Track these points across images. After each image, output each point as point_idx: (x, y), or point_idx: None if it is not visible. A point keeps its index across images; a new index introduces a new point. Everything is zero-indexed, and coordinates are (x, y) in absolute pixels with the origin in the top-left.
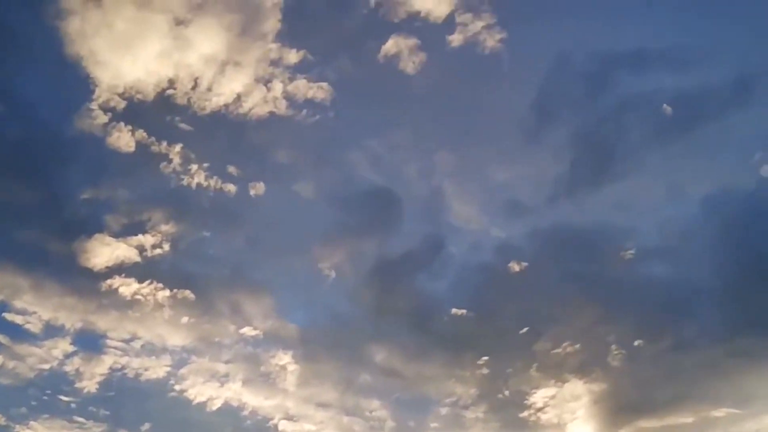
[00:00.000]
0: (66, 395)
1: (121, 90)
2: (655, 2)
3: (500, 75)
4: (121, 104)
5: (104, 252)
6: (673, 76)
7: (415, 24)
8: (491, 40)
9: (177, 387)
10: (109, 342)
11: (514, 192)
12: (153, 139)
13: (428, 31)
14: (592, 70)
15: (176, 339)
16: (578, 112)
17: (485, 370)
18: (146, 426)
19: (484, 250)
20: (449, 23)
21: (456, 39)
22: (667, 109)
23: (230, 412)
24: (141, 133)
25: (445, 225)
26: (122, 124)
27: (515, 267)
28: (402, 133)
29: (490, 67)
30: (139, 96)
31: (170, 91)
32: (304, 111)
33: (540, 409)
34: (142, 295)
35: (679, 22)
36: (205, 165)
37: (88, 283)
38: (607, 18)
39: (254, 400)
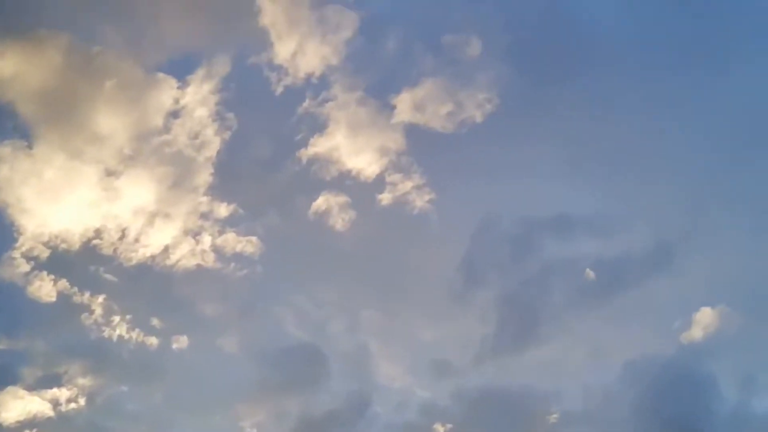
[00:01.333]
0: None
1: (45, 239)
2: (580, 169)
3: (428, 235)
4: (45, 253)
5: (16, 406)
6: (596, 241)
7: (346, 182)
8: (420, 201)
9: None
10: None
11: (441, 352)
12: (75, 289)
13: (358, 190)
14: (517, 234)
15: None
16: (504, 275)
17: None
18: None
19: (410, 409)
20: (379, 182)
21: (385, 198)
22: (590, 273)
23: None
24: (63, 283)
25: (371, 383)
26: (44, 273)
27: (440, 429)
28: (329, 290)
29: (419, 226)
30: (63, 245)
31: (96, 241)
32: (232, 264)
33: None
34: None
35: (602, 189)
36: (128, 317)
37: None
38: (533, 183)
39: None
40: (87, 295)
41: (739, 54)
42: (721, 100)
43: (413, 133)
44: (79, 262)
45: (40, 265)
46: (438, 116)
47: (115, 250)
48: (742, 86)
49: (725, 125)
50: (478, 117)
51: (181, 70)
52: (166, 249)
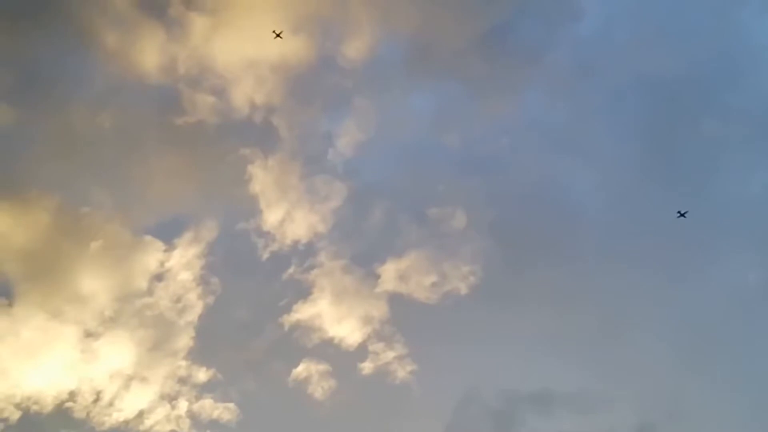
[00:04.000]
0: None
1: (17, 400)
2: (564, 345)
3: (409, 406)
4: (16, 414)
5: None
6: (578, 418)
7: (328, 350)
8: (402, 371)
9: None
10: None
11: None
12: None
13: (340, 358)
14: (499, 408)
15: None
16: None
17: None
18: None
19: None
20: (361, 351)
21: (367, 367)
22: None
23: None
24: None
25: None
26: None
27: None
28: None
29: (400, 397)
30: (35, 407)
31: (69, 404)
32: None
33: None
34: None
35: (586, 366)
36: None
37: None
38: (516, 357)
39: None
40: None
41: (718, 253)
42: (704, 279)
43: (397, 302)
44: (51, 425)
45: (9, 428)
46: (422, 287)
47: (88, 413)
48: (722, 278)
49: (709, 305)
50: (462, 289)
51: (169, 233)
52: (140, 414)
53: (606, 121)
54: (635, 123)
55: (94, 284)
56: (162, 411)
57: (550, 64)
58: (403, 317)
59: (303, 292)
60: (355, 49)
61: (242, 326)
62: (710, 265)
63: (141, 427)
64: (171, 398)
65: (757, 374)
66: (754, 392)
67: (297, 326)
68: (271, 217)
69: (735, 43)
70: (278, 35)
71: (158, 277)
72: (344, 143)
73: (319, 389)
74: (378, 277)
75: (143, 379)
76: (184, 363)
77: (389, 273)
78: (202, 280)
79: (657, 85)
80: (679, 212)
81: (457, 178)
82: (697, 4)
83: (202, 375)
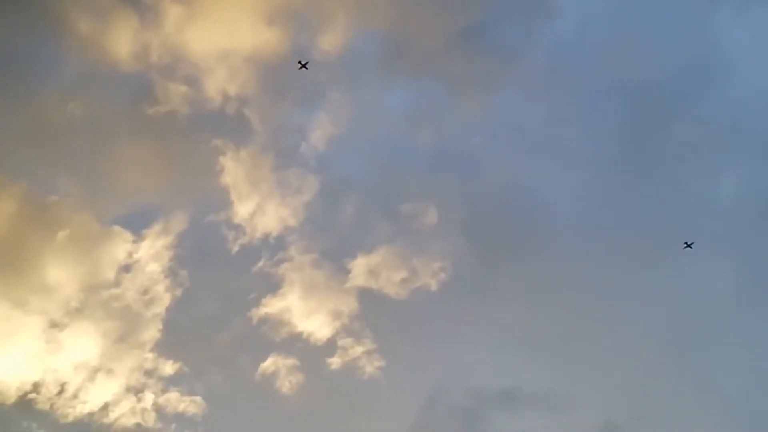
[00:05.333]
0: None
1: None
2: (532, 343)
3: (377, 401)
4: None
5: None
6: (544, 416)
7: (296, 344)
8: (370, 367)
9: None
10: None
11: None
12: None
13: (308, 352)
14: (467, 406)
15: None
16: None
17: None
18: None
19: None
20: (330, 346)
21: (335, 362)
22: None
23: None
24: None
25: None
26: None
27: None
28: None
29: (368, 393)
30: None
31: (33, 395)
32: (173, 425)
33: None
34: None
35: (553, 365)
36: None
37: None
38: (484, 354)
39: None
40: None
41: (688, 256)
42: (672, 283)
43: (367, 297)
44: (13, 416)
45: None
46: (392, 282)
47: (52, 405)
48: (692, 281)
49: (677, 309)
50: (432, 285)
51: (138, 223)
52: (105, 406)
53: (579, 122)
54: (608, 125)
55: (60, 274)
56: (127, 403)
57: (525, 64)
58: (373, 312)
59: (272, 286)
60: (329, 42)
61: (210, 319)
62: (680, 268)
63: (106, 420)
64: (137, 391)
65: (723, 377)
66: (719, 394)
67: (266, 320)
68: (242, 210)
69: (709, 47)
70: (303, 65)
71: (126, 268)
72: (317, 137)
73: (286, 383)
74: (348, 271)
75: (109, 371)
76: (150, 355)
77: (359, 268)
78: (171, 272)
79: (631, 88)
80: (685, 243)
81: (429, 175)
82: (672, 7)
83: (168, 368)
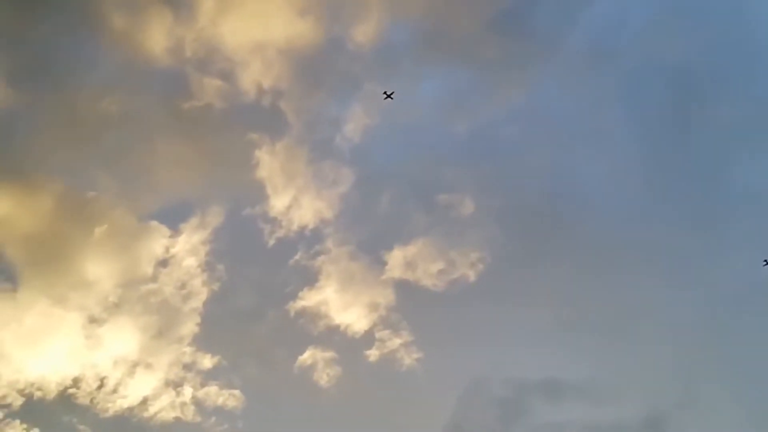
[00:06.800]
0: None
1: (21, 386)
2: (572, 334)
3: (415, 393)
4: (19, 401)
5: None
6: (586, 407)
7: (334, 337)
8: (408, 359)
9: None
10: None
11: None
12: None
13: (346, 345)
14: (506, 396)
15: None
16: None
17: None
18: None
19: None
20: (367, 338)
21: (373, 354)
22: None
23: None
24: None
25: None
26: (17, 422)
27: None
28: None
29: (406, 384)
30: (39, 393)
31: (73, 390)
32: (213, 419)
33: None
34: None
35: (594, 355)
36: None
37: None
38: (523, 345)
39: None
40: None
41: (731, 245)
42: (714, 271)
43: (404, 289)
44: (54, 411)
45: (12, 413)
46: (429, 274)
47: (92, 400)
48: (734, 270)
49: (718, 297)
50: (470, 276)
51: (175, 218)
52: (145, 400)
53: (618, 109)
54: (648, 110)
55: (99, 270)
56: (166, 397)
57: (563, 48)
58: (410, 304)
59: (309, 279)
60: (363, 33)
61: (247, 313)
62: (723, 258)
63: (145, 414)
64: (175, 385)
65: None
66: (764, 381)
67: (303, 313)
68: (278, 203)
69: (752, 27)
70: (389, 96)
71: (163, 263)
72: (352, 128)
73: (324, 376)
74: (385, 263)
75: (148, 366)
76: (188, 349)
77: (396, 260)
78: (208, 267)
79: (672, 71)
80: (765, 261)
81: (465, 165)
82: None
83: (207, 362)
